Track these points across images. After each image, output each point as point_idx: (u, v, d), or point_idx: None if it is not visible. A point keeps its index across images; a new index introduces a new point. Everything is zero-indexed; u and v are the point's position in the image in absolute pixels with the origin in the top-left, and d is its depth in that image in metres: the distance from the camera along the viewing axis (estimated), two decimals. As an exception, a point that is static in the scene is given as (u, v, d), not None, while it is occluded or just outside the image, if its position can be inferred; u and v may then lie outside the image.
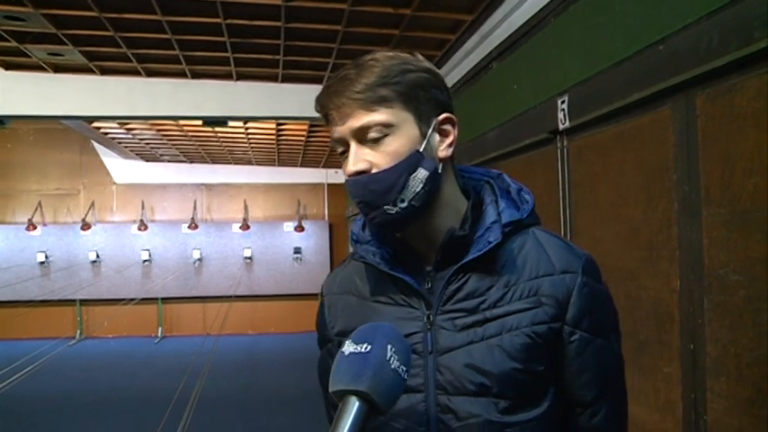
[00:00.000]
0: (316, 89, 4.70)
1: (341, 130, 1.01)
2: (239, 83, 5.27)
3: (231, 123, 7.12)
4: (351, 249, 1.17)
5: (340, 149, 1.05)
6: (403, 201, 0.99)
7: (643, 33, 2.13)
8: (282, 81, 5.24)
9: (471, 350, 1.00)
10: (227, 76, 5.16)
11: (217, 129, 7.56)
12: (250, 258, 11.31)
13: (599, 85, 2.42)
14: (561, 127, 2.71)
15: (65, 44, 4.27)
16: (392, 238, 1.09)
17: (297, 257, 11.42)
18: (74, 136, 9.87)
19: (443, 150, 1.05)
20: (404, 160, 0.99)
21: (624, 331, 1.16)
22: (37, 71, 4.93)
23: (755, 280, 1.67)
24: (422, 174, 1.00)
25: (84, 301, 10.97)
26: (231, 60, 4.69)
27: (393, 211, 1.00)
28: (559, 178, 2.81)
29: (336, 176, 11.74)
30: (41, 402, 6.86)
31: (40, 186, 11.11)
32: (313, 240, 11.53)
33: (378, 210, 1.00)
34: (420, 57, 1.06)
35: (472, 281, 1.03)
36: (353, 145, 1.01)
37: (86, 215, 10.97)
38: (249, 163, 11.00)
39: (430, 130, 1.02)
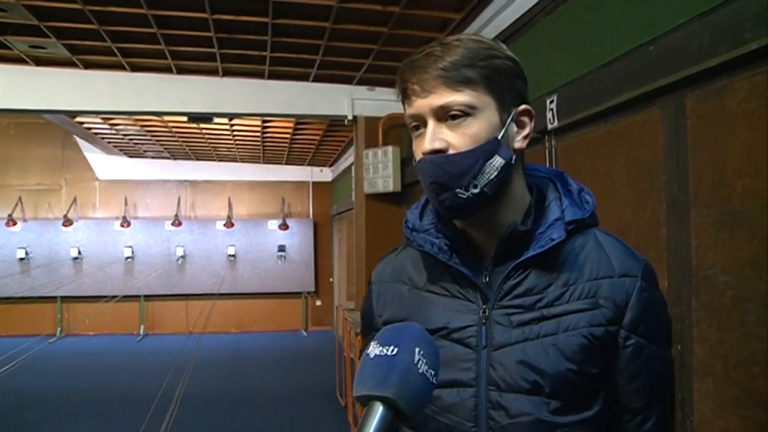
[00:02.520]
0: (302, 86, 4.65)
1: (420, 105, 0.98)
2: (225, 79, 5.22)
3: (216, 120, 7.09)
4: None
5: (414, 125, 1.02)
6: (476, 186, 0.97)
7: (633, 33, 2.13)
8: (269, 78, 5.19)
9: (526, 347, 0.98)
10: (212, 72, 5.10)
11: (202, 125, 7.50)
12: (234, 256, 11.25)
13: (588, 84, 2.42)
14: (550, 127, 2.70)
15: (47, 37, 4.19)
16: (452, 228, 1.07)
17: (281, 256, 11.38)
18: (56, 130, 9.75)
19: (519, 142, 1.03)
20: (482, 145, 0.97)
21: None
22: (18, 64, 4.84)
23: (743, 281, 1.68)
24: (498, 161, 0.98)
25: (65, 298, 10.86)
26: (217, 56, 4.64)
27: (464, 196, 0.97)
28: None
29: (321, 175, 11.71)
30: (21, 400, 6.76)
31: (21, 181, 10.97)
32: (297, 239, 11.50)
33: (449, 192, 0.98)
34: (503, 45, 1.04)
35: (531, 277, 1.01)
36: (431, 123, 0.98)
37: (68, 211, 10.85)
38: (234, 160, 10.93)
39: (509, 119, 1.01)
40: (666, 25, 1.94)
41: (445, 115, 0.97)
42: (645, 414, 1.02)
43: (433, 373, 0.81)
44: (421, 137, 1.00)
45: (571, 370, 0.97)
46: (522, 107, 1.03)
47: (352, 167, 6.37)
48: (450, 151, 0.97)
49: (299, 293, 11.62)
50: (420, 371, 0.79)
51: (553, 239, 1.00)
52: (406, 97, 1.01)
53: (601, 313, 0.99)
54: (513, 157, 1.01)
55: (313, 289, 11.63)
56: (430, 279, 1.08)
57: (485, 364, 1.00)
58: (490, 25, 3.48)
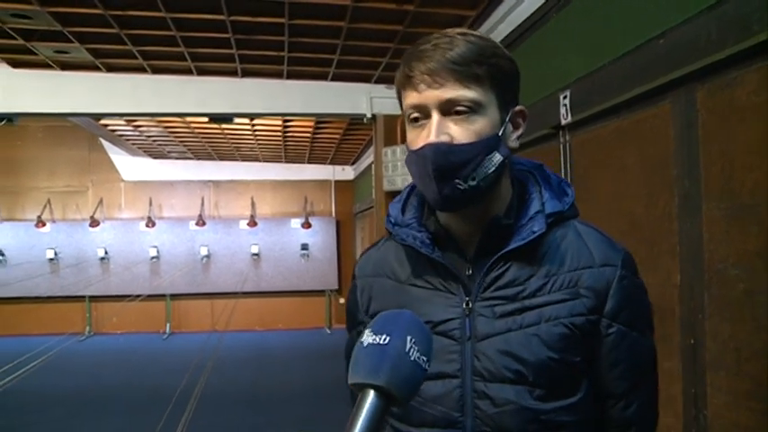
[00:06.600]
0: (320, 86, 4.69)
1: (428, 96, 0.97)
2: (245, 79, 5.28)
3: (237, 120, 7.16)
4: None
5: (414, 115, 1.01)
6: (474, 179, 0.98)
7: (643, 27, 2.12)
8: (288, 77, 5.24)
9: (509, 338, 1.00)
10: (232, 73, 5.16)
11: (223, 125, 7.57)
12: (257, 255, 11.32)
13: (600, 79, 2.41)
14: (563, 122, 2.70)
15: (71, 42, 4.29)
16: (434, 223, 1.08)
17: (304, 254, 11.43)
18: (82, 133, 9.91)
19: (513, 141, 1.06)
20: (485, 139, 0.98)
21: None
22: (44, 69, 4.96)
23: (754, 274, 1.67)
24: (497, 157, 1.00)
25: (92, 298, 11.04)
26: (236, 57, 4.70)
27: (462, 188, 0.98)
28: (562, 173, 2.80)
29: (343, 173, 11.75)
30: (50, 397, 6.90)
31: (50, 183, 11.17)
32: (320, 237, 11.54)
33: (449, 183, 0.98)
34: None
35: (513, 269, 1.03)
36: (436, 115, 0.98)
37: (95, 212, 11.02)
38: (256, 160, 11.02)
39: (507, 118, 1.03)
40: (676, 18, 1.93)
41: (450, 109, 0.97)
42: (627, 399, 1.05)
43: (425, 359, 0.82)
44: (421, 128, 1.00)
45: (552, 359, 0.99)
46: (519, 107, 1.06)
47: (373, 165, 6.39)
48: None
49: (323, 291, 11.66)
50: (412, 358, 0.80)
51: (534, 232, 1.02)
52: (410, 86, 0.99)
53: (581, 303, 1.01)
54: (509, 156, 1.03)
55: (336, 287, 11.66)
56: (413, 273, 1.10)
57: (469, 356, 1.02)
58: (504, 22, 3.49)
